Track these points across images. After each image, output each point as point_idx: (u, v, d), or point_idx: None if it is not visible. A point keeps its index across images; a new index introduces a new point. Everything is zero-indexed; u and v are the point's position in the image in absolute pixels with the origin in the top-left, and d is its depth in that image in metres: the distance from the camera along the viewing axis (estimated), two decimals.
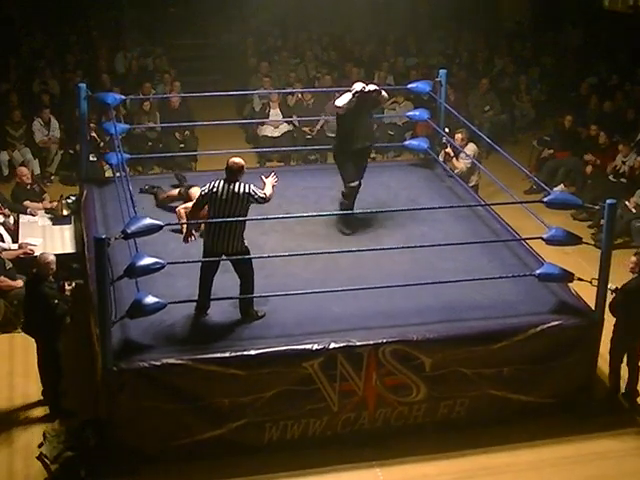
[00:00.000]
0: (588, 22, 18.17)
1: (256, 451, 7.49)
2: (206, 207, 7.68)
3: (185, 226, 8.82)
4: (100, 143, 12.53)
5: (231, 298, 7.93)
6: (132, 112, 13.94)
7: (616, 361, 8.19)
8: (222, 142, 12.46)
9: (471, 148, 11.24)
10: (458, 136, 11.07)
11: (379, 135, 14.30)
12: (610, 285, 7.95)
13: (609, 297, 8.01)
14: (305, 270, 8.43)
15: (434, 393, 7.72)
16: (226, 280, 7.92)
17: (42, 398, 8.13)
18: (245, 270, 7.69)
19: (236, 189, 7.44)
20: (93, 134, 11.36)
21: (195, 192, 9.38)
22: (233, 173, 7.52)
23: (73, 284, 8.01)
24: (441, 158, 11.00)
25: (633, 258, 8.10)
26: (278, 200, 8.63)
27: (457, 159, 11.07)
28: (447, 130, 11.16)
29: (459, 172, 10.91)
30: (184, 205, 9.29)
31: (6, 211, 10.54)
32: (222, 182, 7.51)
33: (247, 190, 7.45)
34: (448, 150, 10.98)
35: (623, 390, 8.32)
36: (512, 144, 14.37)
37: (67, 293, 7.96)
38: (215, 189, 7.48)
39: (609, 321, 8.04)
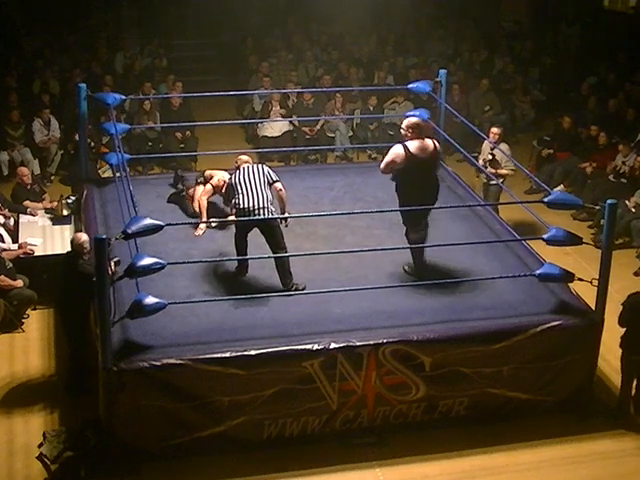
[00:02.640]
0: (588, 22, 18.15)
1: (255, 447, 7.51)
2: None
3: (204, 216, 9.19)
4: (91, 143, 12.53)
5: (234, 298, 7.96)
6: (132, 112, 13.94)
7: (628, 376, 8.06)
8: (222, 142, 12.48)
9: (505, 147, 11.12)
10: (494, 130, 11.00)
11: (379, 135, 14.37)
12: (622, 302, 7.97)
13: (612, 303, 8.00)
14: (305, 270, 8.44)
15: (433, 392, 7.73)
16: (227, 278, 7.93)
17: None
18: (277, 239, 8.06)
19: (257, 166, 8.33)
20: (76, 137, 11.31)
21: (221, 178, 9.35)
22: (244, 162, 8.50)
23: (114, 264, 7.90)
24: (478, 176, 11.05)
25: None
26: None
27: (500, 169, 10.95)
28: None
29: (510, 176, 10.88)
30: (204, 193, 9.31)
31: (6, 212, 10.52)
32: (241, 169, 8.30)
33: (265, 169, 8.32)
34: (490, 169, 10.86)
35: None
36: (512, 144, 14.33)
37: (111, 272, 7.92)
38: (238, 174, 8.25)
39: (609, 321, 8.05)
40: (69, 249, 8.32)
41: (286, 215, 8.31)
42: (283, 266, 8.10)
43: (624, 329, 7.97)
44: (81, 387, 8.15)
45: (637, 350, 7.95)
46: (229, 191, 8.33)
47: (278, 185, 8.26)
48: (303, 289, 8.08)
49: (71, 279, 8.05)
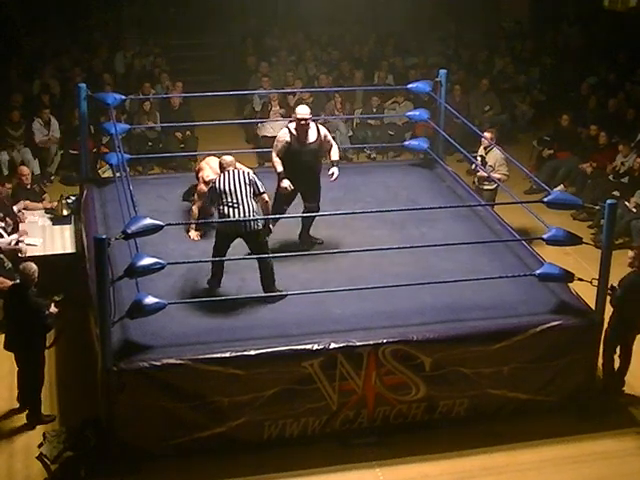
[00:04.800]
0: (588, 22, 18.16)
1: (255, 448, 7.50)
2: None
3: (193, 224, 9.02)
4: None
5: (234, 298, 7.96)
6: (132, 112, 13.94)
7: (609, 354, 8.28)
8: (222, 142, 12.45)
9: (496, 156, 11.05)
10: (487, 135, 10.98)
11: (379, 135, 14.37)
12: (610, 284, 8.00)
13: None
14: (305, 271, 8.44)
15: (433, 392, 7.73)
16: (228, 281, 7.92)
17: (19, 405, 8.08)
18: (262, 247, 7.99)
19: (243, 173, 8.08)
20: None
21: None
22: (229, 165, 8.23)
23: (56, 299, 7.96)
24: (475, 182, 11.01)
25: (631, 253, 8.16)
26: None
27: (492, 173, 10.90)
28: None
29: (503, 181, 10.79)
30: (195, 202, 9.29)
31: (9, 220, 10.41)
32: (225, 173, 8.06)
33: (252, 177, 8.10)
34: (480, 174, 10.87)
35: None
36: (512, 144, 14.37)
37: (53, 308, 7.87)
38: (223, 179, 8.01)
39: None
40: (17, 281, 8.10)
41: (287, 215, 8.28)
42: (267, 270, 8.02)
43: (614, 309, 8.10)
44: (38, 417, 7.96)
45: (626, 329, 8.10)
46: (212, 194, 8.11)
47: (265, 197, 8.10)
48: (286, 295, 8.00)
49: (20, 312, 7.77)
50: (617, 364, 8.35)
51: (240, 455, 7.47)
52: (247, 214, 7.88)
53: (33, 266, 7.89)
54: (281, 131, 8.84)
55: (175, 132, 13.58)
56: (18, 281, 8.07)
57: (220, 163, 8.33)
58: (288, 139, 8.68)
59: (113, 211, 9.47)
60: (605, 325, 8.10)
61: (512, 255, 8.94)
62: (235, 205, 7.89)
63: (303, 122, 8.64)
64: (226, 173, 8.10)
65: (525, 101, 15.79)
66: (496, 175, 10.74)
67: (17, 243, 9.91)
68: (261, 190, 8.07)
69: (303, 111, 8.72)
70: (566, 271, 8.06)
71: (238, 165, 8.42)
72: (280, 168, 8.61)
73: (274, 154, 8.71)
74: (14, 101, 13.55)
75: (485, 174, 10.64)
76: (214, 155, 9.34)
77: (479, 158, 10.97)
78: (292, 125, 8.75)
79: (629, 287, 8.03)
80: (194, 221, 9.11)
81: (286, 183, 8.58)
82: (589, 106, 14.66)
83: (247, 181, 8.01)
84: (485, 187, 10.86)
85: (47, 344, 7.94)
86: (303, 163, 8.72)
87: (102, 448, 7.32)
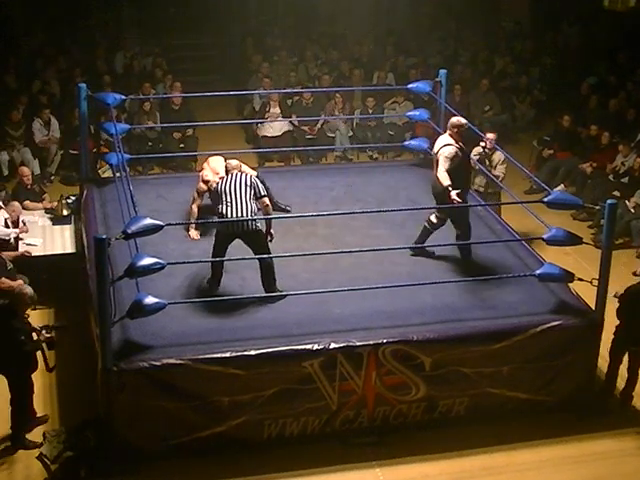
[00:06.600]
0: (588, 22, 18.15)
1: (255, 447, 7.51)
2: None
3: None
4: None
5: (234, 298, 7.95)
6: (132, 112, 13.93)
7: (615, 362, 8.22)
8: (222, 142, 12.46)
9: (499, 155, 11.02)
10: (490, 136, 10.91)
11: (379, 135, 14.37)
12: (615, 292, 7.97)
13: (612, 302, 8.02)
14: (305, 270, 8.44)
15: (433, 392, 7.73)
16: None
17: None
18: (263, 248, 7.97)
19: (246, 176, 8.11)
20: None
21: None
22: (233, 168, 8.27)
23: (53, 332, 7.56)
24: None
25: None
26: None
27: (494, 169, 10.87)
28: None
29: (501, 179, 10.74)
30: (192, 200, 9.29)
31: (26, 227, 10.37)
32: (229, 175, 8.13)
33: (255, 181, 8.11)
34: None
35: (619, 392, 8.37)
36: (512, 144, 14.37)
37: (42, 338, 7.48)
38: (225, 181, 8.07)
39: (609, 321, 8.05)
40: (3, 301, 7.66)
41: (287, 215, 8.29)
42: (268, 270, 8.03)
43: (620, 318, 8.03)
44: (21, 441, 7.66)
45: (633, 340, 8.01)
46: (213, 195, 8.19)
47: (266, 200, 8.07)
48: (285, 296, 8.00)
49: (3, 336, 7.33)
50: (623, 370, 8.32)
51: (240, 455, 7.48)
52: (244, 214, 7.88)
53: (28, 290, 7.67)
54: (445, 149, 8.47)
55: (175, 132, 13.57)
56: (6, 302, 7.65)
57: (225, 166, 8.40)
58: (459, 152, 8.50)
59: (113, 211, 9.47)
60: (608, 329, 8.07)
61: (512, 255, 8.94)
62: (232, 204, 7.90)
63: (465, 128, 8.66)
64: (229, 175, 8.16)
65: (525, 101, 15.79)
66: (497, 173, 10.74)
67: (17, 238, 9.92)
68: (262, 193, 8.05)
69: (461, 119, 8.75)
70: (566, 271, 8.06)
71: (245, 169, 8.43)
72: (449, 181, 8.33)
73: (443, 170, 8.38)
74: (18, 101, 13.54)
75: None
76: (217, 155, 9.35)
77: (478, 156, 10.94)
78: (448, 138, 8.57)
79: (636, 295, 7.96)
80: (194, 221, 9.11)
81: (454, 194, 8.36)
82: (589, 106, 14.66)
83: (248, 183, 8.02)
84: (489, 191, 10.82)
85: (36, 367, 7.57)
86: (469, 167, 8.87)
87: (102, 448, 7.33)
